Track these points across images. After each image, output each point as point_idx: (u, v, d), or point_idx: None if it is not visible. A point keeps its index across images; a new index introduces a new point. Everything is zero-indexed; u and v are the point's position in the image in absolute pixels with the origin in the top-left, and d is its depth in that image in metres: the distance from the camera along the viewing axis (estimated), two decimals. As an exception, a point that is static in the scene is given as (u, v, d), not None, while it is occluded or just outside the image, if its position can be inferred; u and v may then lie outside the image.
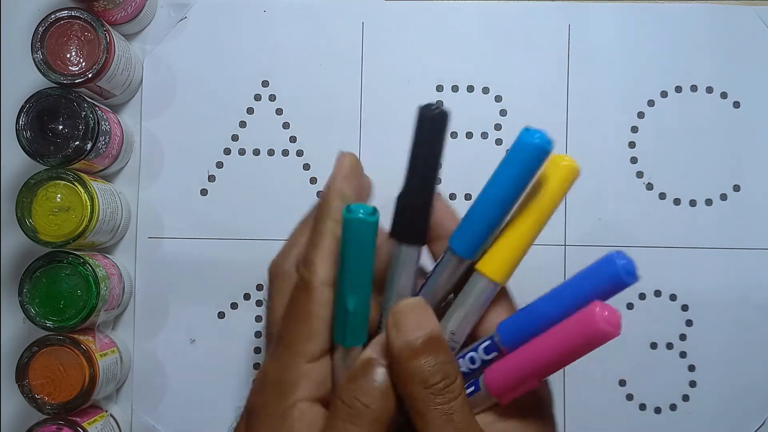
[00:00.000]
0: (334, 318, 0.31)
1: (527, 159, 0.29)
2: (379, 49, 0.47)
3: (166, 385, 0.46)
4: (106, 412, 0.44)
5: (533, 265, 0.47)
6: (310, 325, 0.31)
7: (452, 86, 0.47)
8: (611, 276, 0.28)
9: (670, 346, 0.46)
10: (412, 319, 0.29)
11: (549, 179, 0.30)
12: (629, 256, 0.28)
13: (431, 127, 0.30)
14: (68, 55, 0.41)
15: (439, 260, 0.32)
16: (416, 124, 0.31)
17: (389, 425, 0.29)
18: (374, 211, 0.29)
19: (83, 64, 0.41)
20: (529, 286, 0.47)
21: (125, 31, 0.46)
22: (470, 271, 0.32)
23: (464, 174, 0.47)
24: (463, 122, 0.47)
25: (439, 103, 0.29)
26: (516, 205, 0.31)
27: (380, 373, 0.29)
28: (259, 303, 0.47)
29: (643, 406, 0.46)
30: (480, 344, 0.31)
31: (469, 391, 0.31)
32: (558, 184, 0.30)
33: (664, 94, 0.47)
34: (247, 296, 0.46)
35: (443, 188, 0.47)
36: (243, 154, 0.47)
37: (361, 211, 0.29)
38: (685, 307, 0.46)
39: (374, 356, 0.30)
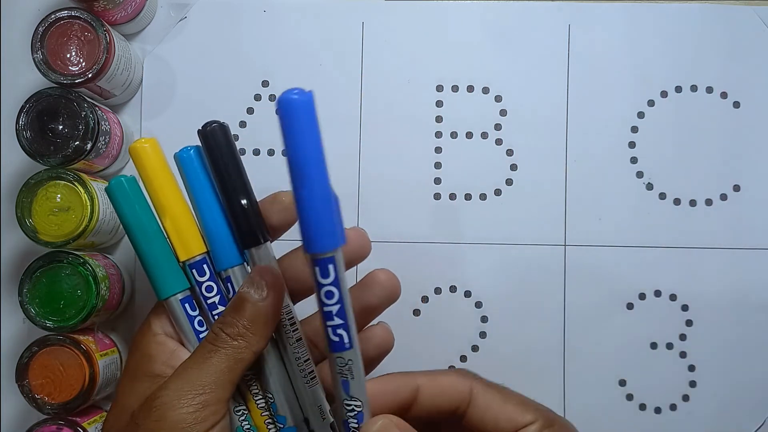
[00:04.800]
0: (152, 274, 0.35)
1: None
2: (379, 49, 0.47)
3: (166, 385, 0.46)
4: (106, 412, 0.44)
5: (533, 265, 0.47)
6: None
7: (452, 86, 0.47)
8: (285, 111, 0.29)
9: (670, 346, 0.46)
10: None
11: (143, 170, 0.35)
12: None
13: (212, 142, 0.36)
14: (68, 55, 0.41)
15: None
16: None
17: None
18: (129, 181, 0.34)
19: (83, 64, 0.41)
20: (529, 286, 0.47)
21: (125, 31, 0.46)
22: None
23: (464, 174, 0.47)
24: (463, 122, 0.47)
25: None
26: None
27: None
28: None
29: (643, 406, 0.46)
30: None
31: None
32: (147, 165, 0.35)
33: (664, 94, 0.47)
34: (247, 296, 0.46)
35: (443, 188, 0.47)
36: (243, 154, 0.47)
37: (123, 180, 0.34)
38: (685, 307, 0.46)
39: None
